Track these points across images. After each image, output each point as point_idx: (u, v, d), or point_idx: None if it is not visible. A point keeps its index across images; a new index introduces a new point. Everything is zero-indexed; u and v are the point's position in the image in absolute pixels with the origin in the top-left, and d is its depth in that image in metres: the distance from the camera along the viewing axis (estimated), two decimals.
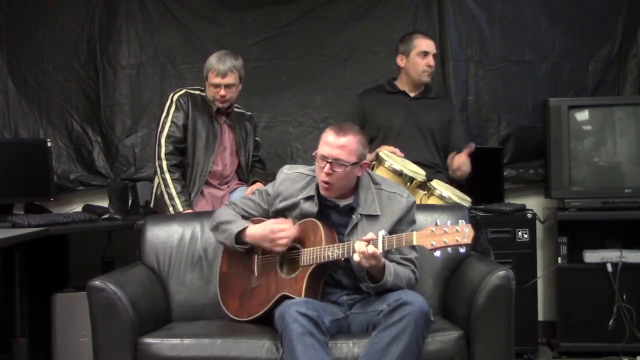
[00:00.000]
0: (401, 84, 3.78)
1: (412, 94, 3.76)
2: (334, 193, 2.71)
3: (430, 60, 3.70)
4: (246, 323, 2.78)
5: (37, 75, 4.26)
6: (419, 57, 3.70)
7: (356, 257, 2.51)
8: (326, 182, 2.67)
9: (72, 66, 4.26)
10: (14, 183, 3.83)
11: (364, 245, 2.49)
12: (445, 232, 2.43)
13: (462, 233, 2.42)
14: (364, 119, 3.72)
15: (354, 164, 2.66)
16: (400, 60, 3.75)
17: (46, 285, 3.66)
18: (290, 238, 2.69)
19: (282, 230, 2.69)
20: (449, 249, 2.46)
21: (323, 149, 2.66)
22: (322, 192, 2.70)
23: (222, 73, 3.45)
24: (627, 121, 3.95)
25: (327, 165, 2.63)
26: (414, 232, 2.50)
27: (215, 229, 2.87)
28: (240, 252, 2.80)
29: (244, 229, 2.76)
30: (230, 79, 3.47)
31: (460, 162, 3.57)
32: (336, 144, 2.64)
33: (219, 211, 2.91)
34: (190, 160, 3.54)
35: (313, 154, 2.70)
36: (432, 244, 2.44)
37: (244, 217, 2.86)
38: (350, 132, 2.67)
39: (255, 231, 2.75)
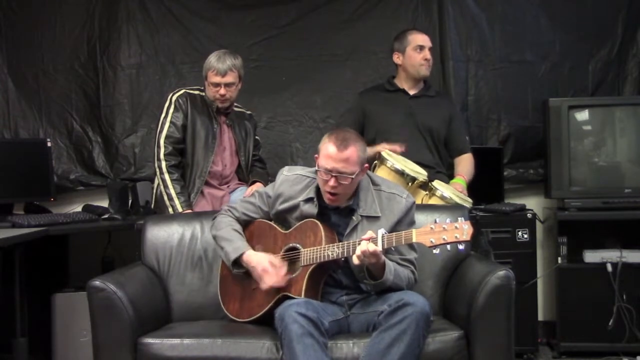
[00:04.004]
0: (400, 82, 3.77)
1: (411, 92, 3.75)
2: (339, 202, 2.71)
3: (426, 53, 3.69)
4: (246, 323, 2.78)
5: (37, 75, 4.25)
6: (415, 51, 3.69)
7: (355, 261, 2.52)
8: (332, 194, 2.67)
9: (72, 66, 4.25)
10: (14, 183, 3.82)
11: (365, 244, 2.49)
12: (444, 229, 2.44)
13: (461, 230, 2.43)
14: (364, 118, 3.72)
15: (358, 173, 2.66)
16: (397, 58, 3.75)
17: (46, 285, 3.66)
18: (271, 286, 2.68)
19: (270, 276, 2.67)
20: (448, 246, 2.46)
21: (327, 163, 2.63)
22: (328, 202, 2.70)
23: (221, 72, 3.45)
24: (627, 121, 3.95)
25: (333, 180, 2.63)
26: (413, 230, 2.50)
27: (214, 238, 2.88)
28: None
29: (242, 253, 2.76)
30: (230, 77, 3.47)
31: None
32: (339, 157, 2.62)
33: (219, 219, 2.90)
34: (190, 160, 3.53)
35: (317, 168, 2.68)
36: (431, 241, 2.45)
37: (245, 222, 2.87)
38: (350, 143, 2.64)
39: (250, 259, 2.74)
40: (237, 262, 2.76)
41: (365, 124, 3.69)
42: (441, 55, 4.19)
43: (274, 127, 4.27)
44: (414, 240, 2.49)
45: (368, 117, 3.72)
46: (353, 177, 2.63)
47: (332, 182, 2.63)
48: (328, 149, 2.64)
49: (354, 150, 2.64)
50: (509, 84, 4.23)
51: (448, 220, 2.46)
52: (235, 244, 2.78)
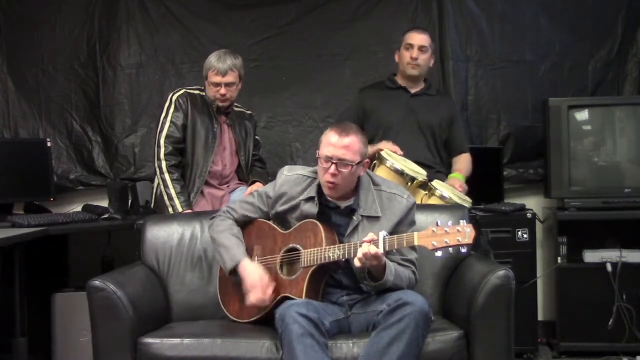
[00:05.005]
0: (400, 80, 3.78)
1: (412, 91, 3.76)
2: (338, 193, 2.71)
3: (414, 52, 3.67)
4: (246, 324, 2.78)
5: (37, 75, 4.25)
6: (405, 49, 3.71)
7: (357, 263, 2.52)
8: (332, 183, 2.66)
9: (72, 66, 4.25)
10: (14, 183, 3.82)
11: (367, 246, 2.49)
12: (446, 233, 2.43)
13: (464, 233, 2.42)
14: (364, 116, 3.72)
15: (358, 163, 2.66)
16: (397, 55, 3.77)
17: (46, 285, 3.65)
18: (254, 305, 2.68)
19: (255, 292, 2.66)
20: (451, 249, 2.45)
21: (327, 150, 2.65)
22: (327, 192, 2.70)
23: (222, 72, 3.45)
24: (627, 121, 3.95)
25: (333, 167, 2.63)
26: (415, 233, 2.50)
27: (212, 241, 2.87)
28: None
29: (238, 263, 2.74)
30: (231, 77, 3.47)
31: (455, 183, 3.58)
32: (340, 144, 2.63)
33: (218, 221, 2.88)
34: (190, 160, 3.53)
35: (317, 156, 2.69)
36: (433, 245, 2.44)
37: (244, 222, 2.86)
38: (352, 132, 2.68)
39: (243, 271, 2.72)
40: (234, 271, 2.75)
41: (365, 122, 3.70)
42: (441, 55, 4.19)
43: (274, 127, 4.27)
44: (415, 243, 2.48)
45: (368, 115, 3.72)
46: (353, 165, 2.64)
47: (332, 170, 2.63)
48: (329, 137, 2.67)
49: (356, 139, 2.66)
50: (509, 84, 4.23)
51: (450, 223, 2.45)
52: (232, 252, 2.76)
